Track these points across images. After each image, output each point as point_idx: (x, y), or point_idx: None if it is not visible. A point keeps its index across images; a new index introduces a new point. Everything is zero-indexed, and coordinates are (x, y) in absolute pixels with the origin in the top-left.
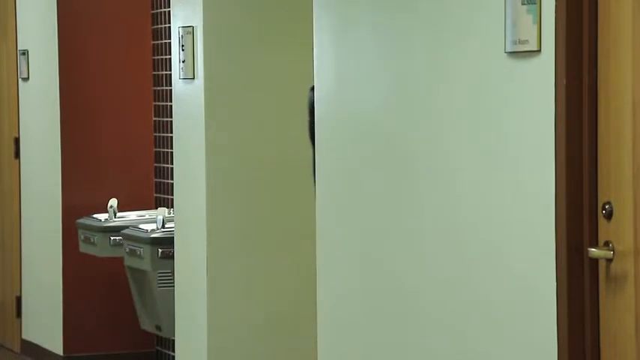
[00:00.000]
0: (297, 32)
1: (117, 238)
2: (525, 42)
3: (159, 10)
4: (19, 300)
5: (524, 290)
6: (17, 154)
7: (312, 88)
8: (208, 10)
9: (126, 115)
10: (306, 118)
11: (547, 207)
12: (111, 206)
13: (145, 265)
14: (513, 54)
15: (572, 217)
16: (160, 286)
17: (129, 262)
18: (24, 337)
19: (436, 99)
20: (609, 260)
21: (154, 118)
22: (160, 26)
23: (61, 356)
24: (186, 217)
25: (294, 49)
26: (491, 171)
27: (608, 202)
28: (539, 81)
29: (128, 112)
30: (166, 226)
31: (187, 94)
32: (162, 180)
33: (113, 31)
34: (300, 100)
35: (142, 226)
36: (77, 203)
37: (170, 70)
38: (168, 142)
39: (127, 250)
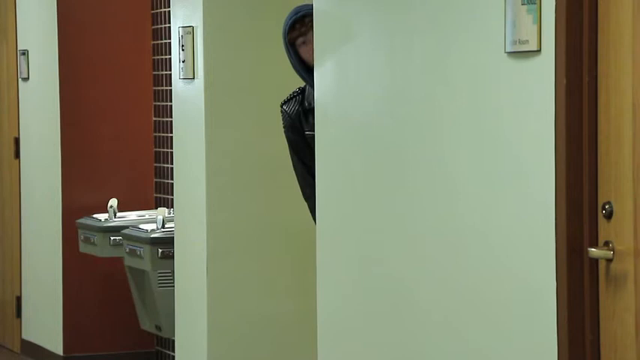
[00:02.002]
0: None
1: (117, 238)
2: (525, 42)
3: (159, 10)
4: (19, 300)
5: (524, 290)
6: (17, 154)
7: (283, 104)
8: (208, 10)
9: (126, 115)
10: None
11: (547, 207)
12: (111, 206)
13: (145, 265)
14: (513, 54)
15: (572, 217)
16: (160, 286)
17: (129, 262)
18: (24, 337)
19: (436, 99)
20: (609, 260)
21: (154, 118)
22: (159, 26)
23: (61, 356)
24: (186, 217)
25: None
26: (491, 171)
27: (608, 202)
28: (539, 81)
29: (128, 112)
30: (166, 226)
31: (187, 94)
32: (162, 180)
33: (113, 31)
34: None
35: (142, 226)
36: (77, 203)
37: (170, 70)
38: (168, 142)
39: (127, 250)
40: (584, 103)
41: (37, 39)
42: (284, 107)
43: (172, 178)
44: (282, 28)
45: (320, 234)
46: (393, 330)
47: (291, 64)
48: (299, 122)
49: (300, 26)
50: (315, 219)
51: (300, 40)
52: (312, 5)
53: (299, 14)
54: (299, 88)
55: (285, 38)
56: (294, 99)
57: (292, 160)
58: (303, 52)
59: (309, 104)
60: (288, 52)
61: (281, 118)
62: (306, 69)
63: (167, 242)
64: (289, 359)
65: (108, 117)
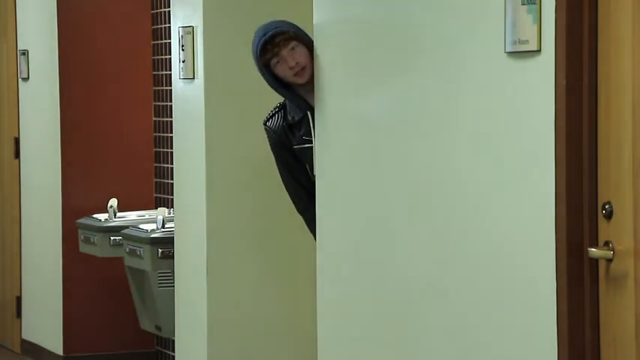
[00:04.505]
0: None
1: (117, 238)
2: (525, 42)
3: (159, 10)
4: (19, 300)
5: (525, 290)
6: (17, 154)
7: (266, 121)
8: (208, 10)
9: (126, 115)
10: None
11: (547, 207)
12: (111, 206)
13: (145, 265)
14: (513, 54)
15: (572, 217)
16: (160, 286)
17: (129, 262)
18: (24, 337)
19: (436, 99)
20: (609, 260)
21: (154, 118)
22: (159, 26)
23: (61, 356)
24: (186, 217)
25: None
26: (491, 171)
27: (608, 202)
28: (539, 81)
29: (128, 112)
30: (166, 226)
31: (187, 94)
32: (162, 180)
33: (113, 31)
34: None
35: (142, 226)
36: (77, 203)
37: (170, 70)
38: (168, 142)
39: (127, 250)
40: (584, 103)
41: (37, 39)
42: (267, 124)
43: (172, 178)
44: (251, 50)
45: (320, 233)
46: (393, 330)
47: (268, 83)
48: (285, 137)
49: (271, 47)
50: (312, 231)
51: (274, 60)
52: (279, 22)
53: (268, 34)
54: (279, 104)
55: (258, 61)
56: (276, 115)
57: (282, 177)
58: (279, 70)
59: (293, 118)
60: (263, 73)
61: (266, 136)
62: (283, 85)
63: (167, 242)
64: (289, 359)
65: (108, 117)
